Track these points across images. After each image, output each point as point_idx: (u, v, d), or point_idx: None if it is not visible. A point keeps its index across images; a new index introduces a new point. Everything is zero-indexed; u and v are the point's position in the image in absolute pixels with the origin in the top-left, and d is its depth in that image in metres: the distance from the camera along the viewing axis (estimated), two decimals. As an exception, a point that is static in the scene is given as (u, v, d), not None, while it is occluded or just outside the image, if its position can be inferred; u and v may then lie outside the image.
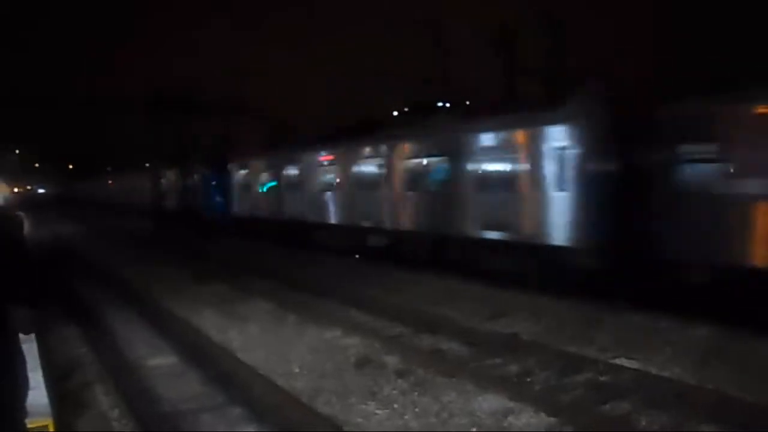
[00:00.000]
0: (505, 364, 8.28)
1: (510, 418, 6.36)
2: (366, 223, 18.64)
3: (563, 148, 12.26)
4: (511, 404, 6.69)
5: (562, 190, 12.30)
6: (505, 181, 13.81)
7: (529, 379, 7.69)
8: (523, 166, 13.24)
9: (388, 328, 10.40)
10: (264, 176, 26.16)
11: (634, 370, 7.71)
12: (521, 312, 11.08)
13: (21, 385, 1.88)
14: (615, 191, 11.56)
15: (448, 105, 31.40)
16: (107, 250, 24.17)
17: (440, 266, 15.06)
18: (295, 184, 23.15)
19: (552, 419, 6.30)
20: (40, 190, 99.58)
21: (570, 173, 12.17)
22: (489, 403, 6.78)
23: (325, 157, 21.26)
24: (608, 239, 11.55)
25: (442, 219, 15.61)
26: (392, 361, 8.38)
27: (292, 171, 23.68)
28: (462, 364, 8.37)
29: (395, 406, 6.77)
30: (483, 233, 14.22)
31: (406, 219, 17.13)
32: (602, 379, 7.51)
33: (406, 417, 6.48)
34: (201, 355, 8.79)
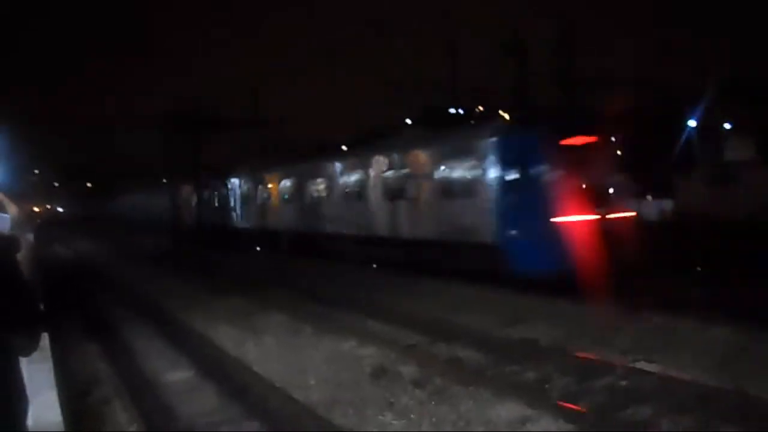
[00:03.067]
0: (524, 371, 8.19)
1: (528, 426, 6.28)
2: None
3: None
4: (529, 411, 6.60)
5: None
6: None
7: (547, 386, 7.60)
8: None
9: (405, 337, 10.34)
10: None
11: (655, 373, 7.61)
12: (539, 317, 10.98)
13: (19, 405, 1.87)
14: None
15: (461, 111, 31.41)
16: (125, 266, 24.34)
17: (458, 274, 14.96)
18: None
19: (571, 426, 6.21)
20: (59, 209, 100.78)
21: None
22: (507, 410, 6.69)
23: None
24: None
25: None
26: (409, 370, 8.31)
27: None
28: (479, 371, 8.29)
29: (412, 416, 6.70)
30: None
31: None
32: (622, 383, 7.40)
33: (422, 427, 6.42)
34: (217, 368, 8.80)
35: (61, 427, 4.54)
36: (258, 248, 27.56)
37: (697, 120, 30.25)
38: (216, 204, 33.50)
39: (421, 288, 14.50)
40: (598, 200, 13.60)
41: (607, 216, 13.59)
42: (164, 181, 44.91)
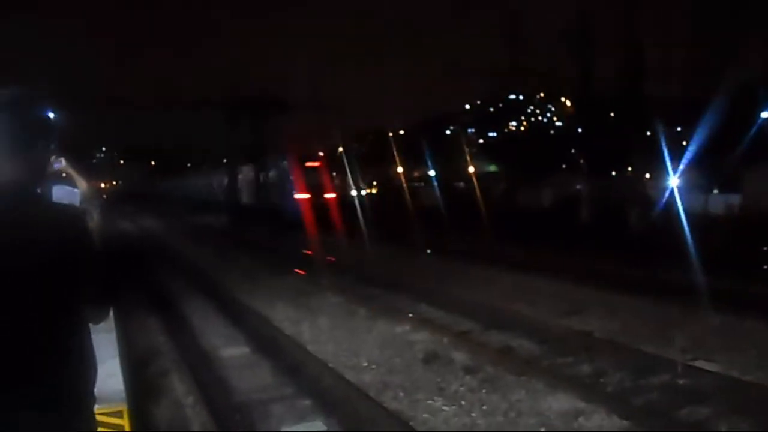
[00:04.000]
0: (578, 363, 8.07)
1: (580, 420, 6.20)
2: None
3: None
4: (582, 405, 6.51)
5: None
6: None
7: (601, 380, 7.47)
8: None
9: (459, 323, 10.33)
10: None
11: (715, 373, 7.38)
12: (597, 309, 10.81)
13: (90, 373, 1.96)
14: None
15: (521, 97, 30.95)
16: (186, 242, 25.01)
17: (510, 263, 15.03)
18: None
19: (624, 422, 6.10)
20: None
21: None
22: (559, 403, 6.62)
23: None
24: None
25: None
26: (461, 357, 8.31)
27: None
28: (532, 362, 8.20)
29: (462, 403, 6.70)
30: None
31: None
32: (680, 382, 7.21)
33: (473, 414, 6.41)
34: (273, 346, 8.96)
35: (123, 394, 4.72)
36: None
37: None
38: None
39: (477, 275, 14.46)
40: (317, 189, 30.08)
41: (321, 196, 29.89)
42: (224, 161, 45.82)
